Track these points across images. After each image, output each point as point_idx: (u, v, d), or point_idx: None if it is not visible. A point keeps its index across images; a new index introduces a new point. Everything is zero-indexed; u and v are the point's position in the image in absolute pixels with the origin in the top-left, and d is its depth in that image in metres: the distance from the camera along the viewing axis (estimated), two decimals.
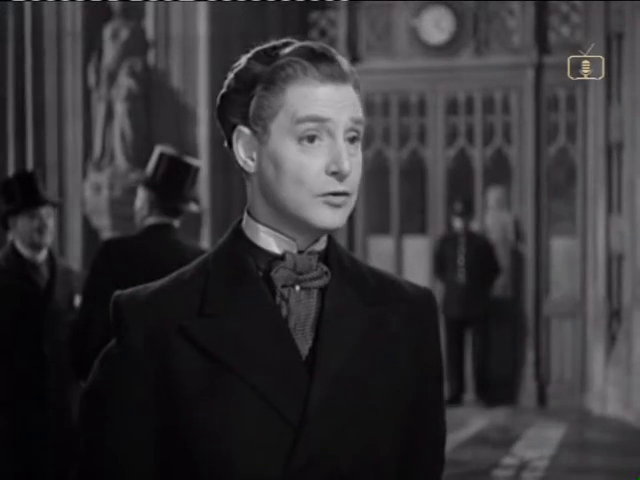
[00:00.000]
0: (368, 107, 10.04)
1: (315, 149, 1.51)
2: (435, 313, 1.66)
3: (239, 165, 1.57)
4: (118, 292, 1.57)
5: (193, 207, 4.25)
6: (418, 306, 1.64)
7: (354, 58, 10.06)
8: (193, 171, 4.22)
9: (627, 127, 9.00)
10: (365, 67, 10.00)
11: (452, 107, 10.00)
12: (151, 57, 9.27)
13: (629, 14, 8.91)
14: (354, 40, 10.17)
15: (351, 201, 1.54)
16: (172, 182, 4.15)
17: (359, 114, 1.54)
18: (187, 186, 4.18)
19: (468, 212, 9.75)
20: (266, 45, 1.56)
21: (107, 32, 9.25)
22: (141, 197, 4.17)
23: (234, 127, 1.56)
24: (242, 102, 1.55)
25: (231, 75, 1.57)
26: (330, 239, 1.60)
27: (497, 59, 9.87)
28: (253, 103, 1.53)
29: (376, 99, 10.09)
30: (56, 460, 4.66)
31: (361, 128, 1.55)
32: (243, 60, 1.56)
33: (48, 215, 4.71)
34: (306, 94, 1.51)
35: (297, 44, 1.54)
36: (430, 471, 1.68)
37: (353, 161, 1.53)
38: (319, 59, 1.52)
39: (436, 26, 10.00)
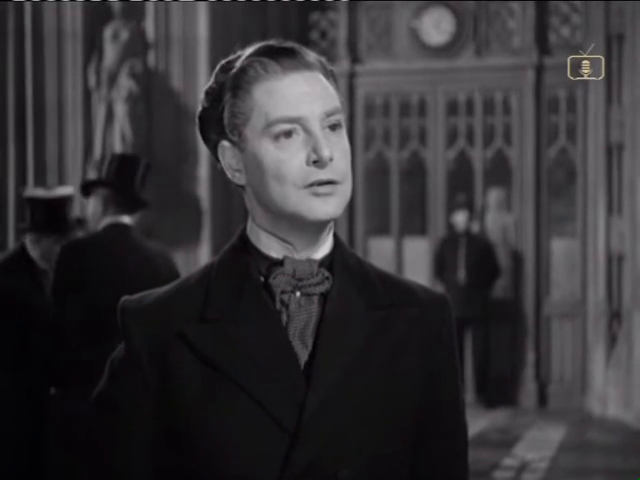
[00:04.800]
0: (368, 108, 10.05)
1: (292, 143, 1.48)
2: (449, 318, 1.62)
3: (231, 180, 1.56)
4: (125, 297, 1.57)
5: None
6: (429, 311, 1.59)
7: (354, 59, 10.07)
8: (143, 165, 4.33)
9: (627, 128, 9.00)
10: (365, 68, 10.02)
11: (452, 108, 9.99)
12: (151, 58, 9.27)
13: (629, 15, 8.92)
14: (354, 41, 10.16)
15: (343, 189, 1.51)
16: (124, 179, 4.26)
17: (333, 104, 1.51)
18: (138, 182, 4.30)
19: (471, 204, 9.75)
20: (231, 56, 1.54)
21: (107, 33, 9.24)
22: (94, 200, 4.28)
23: (216, 144, 1.55)
24: (216, 116, 1.53)
25: (202, 95, 1.56)
26: (337, 243, 1.57)
27: (497, 60, 9.87)
28: (225, 113, 1.52)
29: (376, 100, 10.09)
30: (54, 461, 4.65)
31: (340, 116, 1.51)
32: (211, 78, 1.55)
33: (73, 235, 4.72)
34: (272, 90, 1.49)
35: (257, 44, 1.52)
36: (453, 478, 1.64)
37: (338, 148, 1.50)
38: (278, 53, 1.50)
39: (436, 27, 10.00)
